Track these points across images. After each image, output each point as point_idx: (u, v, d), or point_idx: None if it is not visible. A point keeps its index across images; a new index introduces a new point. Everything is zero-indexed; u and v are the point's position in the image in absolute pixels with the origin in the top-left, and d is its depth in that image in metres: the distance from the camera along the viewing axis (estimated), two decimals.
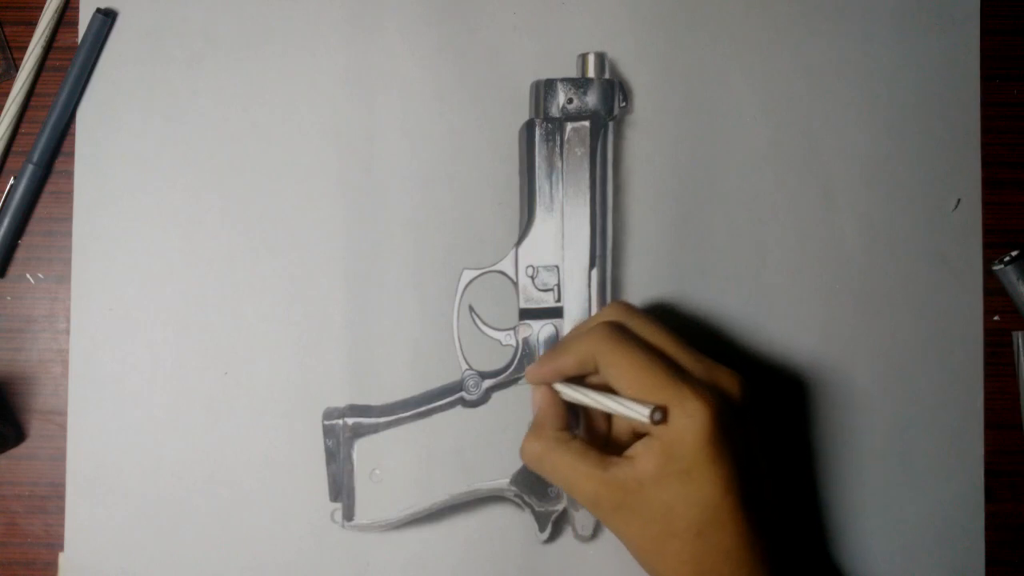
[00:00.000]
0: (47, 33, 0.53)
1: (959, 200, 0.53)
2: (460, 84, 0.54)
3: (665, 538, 0.43)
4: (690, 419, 0.42)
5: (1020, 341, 0.53)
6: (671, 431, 0.42)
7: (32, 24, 0.54)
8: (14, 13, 0.54)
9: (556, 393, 0.47)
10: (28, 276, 0.54)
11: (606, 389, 0.45)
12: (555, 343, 0.51)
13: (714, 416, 0.42)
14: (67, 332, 0.53)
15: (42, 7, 0.54)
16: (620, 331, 0.45)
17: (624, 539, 0.45)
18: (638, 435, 0.45)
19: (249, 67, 0.54)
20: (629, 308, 0.47)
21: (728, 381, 0.45)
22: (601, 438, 0.47)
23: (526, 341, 0.51)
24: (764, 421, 0.48)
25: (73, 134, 0.54)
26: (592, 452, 0.44)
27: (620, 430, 0.47)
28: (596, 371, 0.45)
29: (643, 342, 0.45)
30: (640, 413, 0.42)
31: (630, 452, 0.44)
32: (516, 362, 0.51)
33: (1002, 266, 0.52)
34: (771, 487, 0.46)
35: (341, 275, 0.53)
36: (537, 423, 0.46)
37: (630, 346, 0.44)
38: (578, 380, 0.47)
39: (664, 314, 0.53)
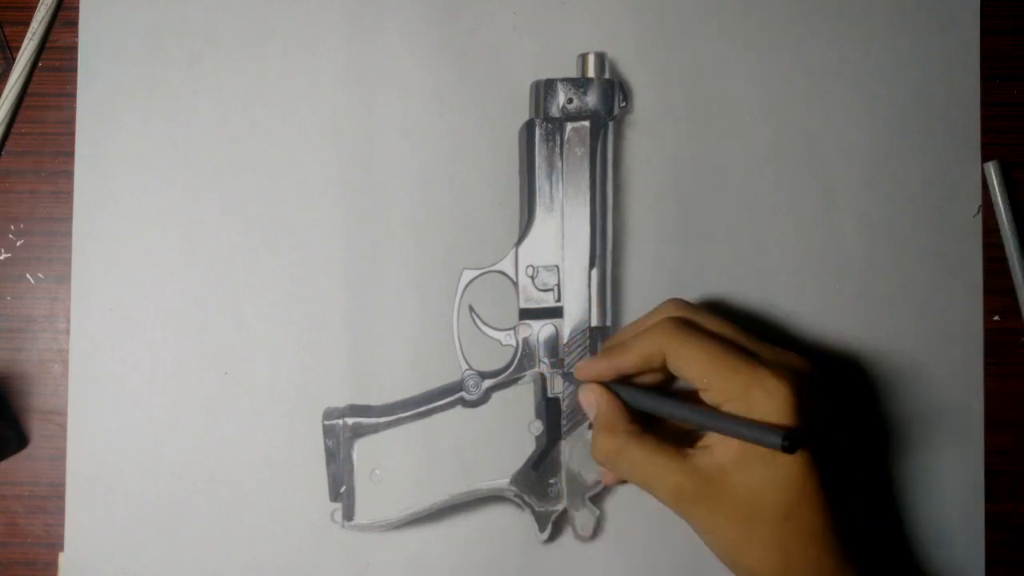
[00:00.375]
0: (40, 32, 0.53)
1: (979, 207, 0.53)
2: (460, 84, 0.54)
3: (751, 525, 0.43)
4: (771, 398, 0.42)
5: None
6: (754, 412, 0.42)
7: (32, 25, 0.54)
8: (13, 13, 0.54)
9: (611, 390, 0.46)
10: (28, 276, 0.54)
11: (662, 387, 0.45)
12: (608, 341, 0.50)
13: (794, 393, 0.42)
14: (67, 332, 0.53)
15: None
16: (687, 324, 0.45)
17: (706, 532, 0.44)
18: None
19: (249, 67, 0.54)
20: (687, 303, 0.47)
21: (800, 363, 0.45)
22: (663, 430, 0.47)
23: (526, 341, 0.51)
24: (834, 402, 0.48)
25: (73, 134, 0.54)
26: (667, 444, 0.44)
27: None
28: (659, 367, 0.45)
29: (710, 332, 0.45)
30: (767, 439, 0.41)
31: (706, 441, 0.43)
32: (516, 362, 0.51)
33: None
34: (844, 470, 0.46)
35: (341, 275, 0.53)
36: (604, 421, 0.46)
37: (699, 336, 0.44)
38: (623, 382, 0.47)
39: None
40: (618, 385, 0.47)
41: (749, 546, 0.43)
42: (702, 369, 0.43)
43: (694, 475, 0.43)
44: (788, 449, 0.40)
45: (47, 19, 0.53)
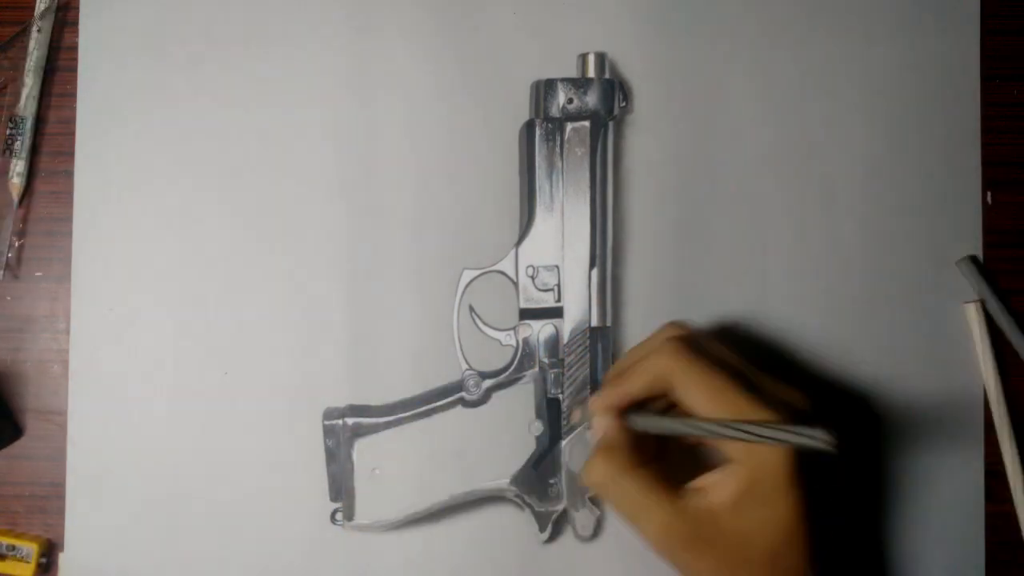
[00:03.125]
0: (45, 33, 0.53)
1: (989, 192, 0.53)
2: (460, 84, 0.54)
3: (738, 567, 0.42)
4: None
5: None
6: (756, 456, 0.41)
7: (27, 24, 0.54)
8: (10, 13, 0.54)
9: (622, 419, 0.44)
10: (28, 276, 0.54)
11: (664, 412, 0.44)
12: (612, 370, 0.49)
13: None
14: (67, 332, 0.53)
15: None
16: (693, 348, 0.43)
17: (690, 574, 0.43)
18: (700, 465, 0.44)
19: (249, 68, 0.54)
20: (687, 325, 0.46)
21: (799, 400, 0.44)
22: (662, 470, 0.45)
23: (526, 341, 0.51)
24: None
25: (73, 134, 0.54)
26: (662, 482, 0.43)
27: (680, 460, 0.45)
28: (664, 393, 0.44)
29: (713, 359, 0.43)
30: (814, 437, 0.39)
31: (700, 482, 0.42)
32: (516, 362, 0.51)
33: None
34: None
35: (341, 275, 0.53)
36: (606, 445, 0.44)
37: (705, 364, 0.43)
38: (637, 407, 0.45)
39: (664, 313, 0.53)
40: (638, 412, 0.45)
41: None
42: (704, 401, 0.42)
43: (684, 515, 0.42)
44: (836, 448, 0.39)
45: (49, 20, 0.53)
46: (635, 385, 0.44)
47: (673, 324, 0.47)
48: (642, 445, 0.45)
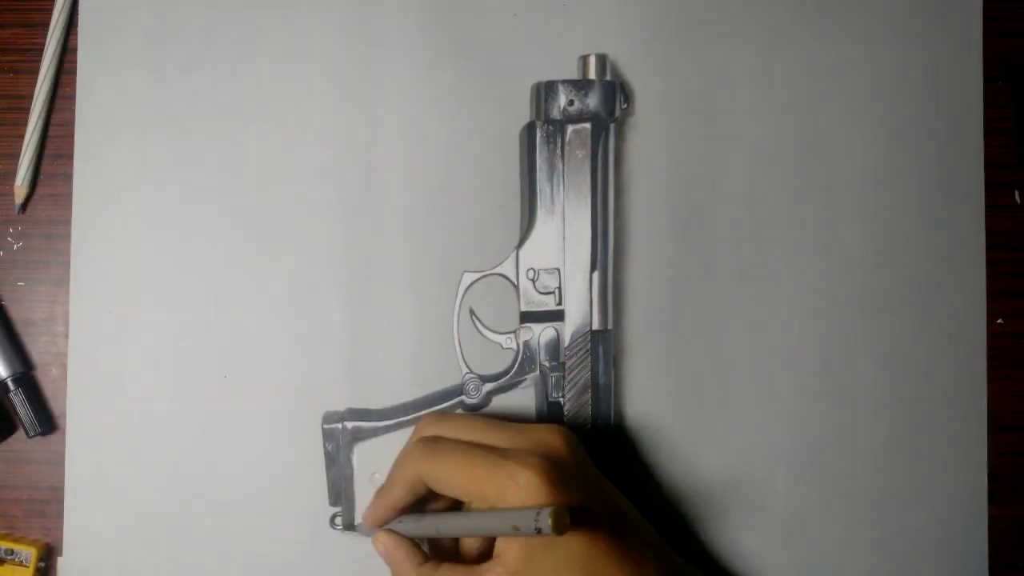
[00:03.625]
0: (59, 36, 0.53)
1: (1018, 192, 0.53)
2: (461, 86, 0.54)
3: None
4: (523, 491, 0.41)
5: None
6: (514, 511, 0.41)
7: (33, 27, 0.54)
8: (15, 16, 0.54)
9: (396, 533, 0.46)
10: (27, 279, 0.54)
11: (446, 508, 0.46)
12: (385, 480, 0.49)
13: (545, 478, 0.41)
14: (65, 335, 0.53)
15: (43, 10, 0.54)
16: (432, 442, 0.45)
17: None
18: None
19: (249, 69, 0.53)
20: (437, 416, 0.48)
21: (550, 438, 0.45)
22: (450, 552, 0.47)
23: (527, 344, 0.51)
24: (604, 456, 0.48)
25: (72, 137, 0.53)
26: (460, 569, 0.44)
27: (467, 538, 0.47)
28: (427, 492, 0.46)
29: (458, 442, 0.45)
30: (525, 522, 0.39)
31: (496, 551, 0.43)
32: (517, 366, 0.51)
33: None
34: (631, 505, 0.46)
35: (341, 278, 0.53)
36: (398, 569, 0.46)
37: (446, 451, 0.44)
38: (415, 511, 0.47)
39: (665, 316, 0.53)
40: (399, 520, 0.47)
41: None
42: (459, 483, 0.43)
43: (504, 574, 0.42)
44: (556, 528, 0.38)
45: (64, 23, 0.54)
46: (396, 496, 0.46)
47: (424, 420, 0.48)
48: (431, 543, 0.47)
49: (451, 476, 0.44)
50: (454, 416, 0.48)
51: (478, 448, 0.44)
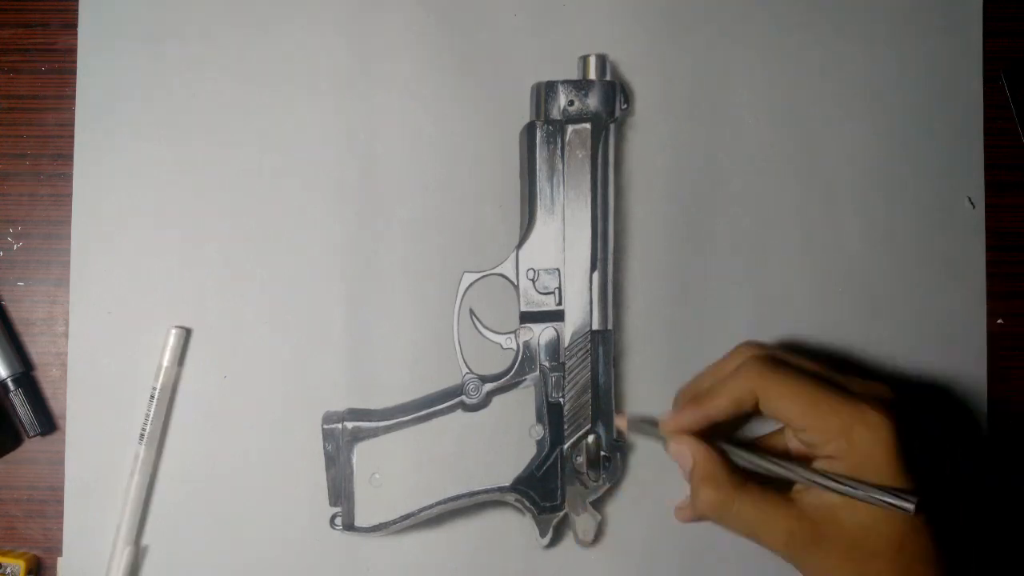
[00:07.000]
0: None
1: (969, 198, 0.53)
2: (461, 86, 0.54)
3: (867, 561, 0.42)
4: (875, 432, 0.41)
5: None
6: (857, 449, 0.42)
7: (31, 27, 0.54)
8: (15, 16, 0.54)
9: (712, 444, 0.45)
10: (27, 279, 0.54)
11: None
12: (685, 390, 0.49)
13: (896, 424, 0.42)
14: (65, 336, 0.53)
15: (43, 10, 0.54)
16: (777, 362, 0.44)
17: (819, 574, 0.43)
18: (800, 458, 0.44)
19: (248, 69, 0.53)
20: (764, 344, 0.47)
21: (889, 392, 0.44)
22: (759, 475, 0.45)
23: (527, 344, 0.51)
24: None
25: (72, 136, 0.53)
26: (771, 490, 0.43)
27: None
28: (751, 409, 0.44)
29: (800, 369, 0.44)
30: (900, 502, 0.40)
31: (793, 492, 0.43)
32: (517, 366, 0.51)
33: None
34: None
35: (341, 278, 0.53)
36: (705, 474, 0.44)
37: (792, 375, 0.43)
38: (712, 431, 0.45)
39: (665, 316, 0.53)
40: (735, 446, 0.45)
41: None
42: (800, 409, 0.43)
43: (803, 519, 0.42)
44: (919, 509, 0.40)
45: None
46: (719, 407, 0.45)
47: (748, 344, 0.47)
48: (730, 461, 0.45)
49: (795, 399, 0.43)
50: (783, 348, 0.47)
51: (822, 380, 0.43)
